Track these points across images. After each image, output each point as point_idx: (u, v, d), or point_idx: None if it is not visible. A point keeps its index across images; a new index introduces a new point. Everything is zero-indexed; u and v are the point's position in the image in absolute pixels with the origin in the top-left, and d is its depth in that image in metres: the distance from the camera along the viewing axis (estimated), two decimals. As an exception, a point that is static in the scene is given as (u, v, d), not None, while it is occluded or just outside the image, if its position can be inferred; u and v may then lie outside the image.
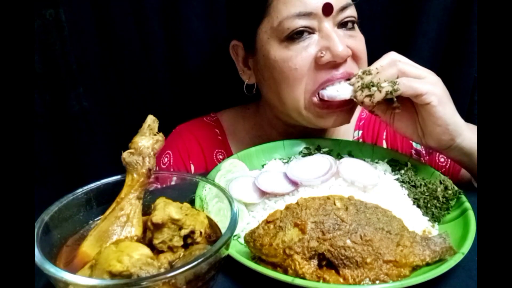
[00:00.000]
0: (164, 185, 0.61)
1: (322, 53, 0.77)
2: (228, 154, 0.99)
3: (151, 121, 0.59)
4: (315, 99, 0.80)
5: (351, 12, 0.80)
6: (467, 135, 0.71)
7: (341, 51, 0.76)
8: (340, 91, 0.76)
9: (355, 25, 0.83)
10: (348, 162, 0.72)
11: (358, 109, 1.02)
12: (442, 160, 0.95)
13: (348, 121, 0.84)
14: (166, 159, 0.97)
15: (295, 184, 0.68)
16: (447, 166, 0.94)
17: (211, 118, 1.04)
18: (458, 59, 1.11)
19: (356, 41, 0.82)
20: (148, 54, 1.07)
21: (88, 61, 1.01)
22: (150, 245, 0.49)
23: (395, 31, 1.14)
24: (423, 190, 0.69)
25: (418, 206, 0.67)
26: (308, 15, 0.76)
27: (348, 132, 0.99)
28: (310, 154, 0.82)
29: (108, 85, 1.06)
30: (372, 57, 1.20)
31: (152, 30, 1.05)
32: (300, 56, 0.78)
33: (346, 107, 0.80)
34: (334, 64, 0.78)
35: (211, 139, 1.00)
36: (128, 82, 1.08)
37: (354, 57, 0.81)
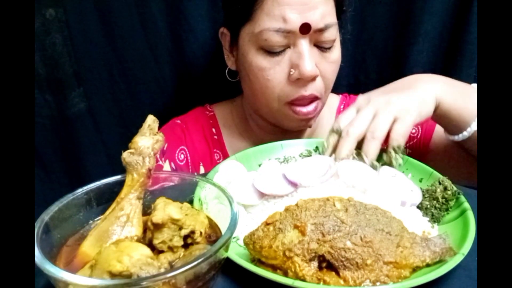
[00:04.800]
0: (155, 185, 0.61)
1: (292, 71, 0.82)
2: (224, 154, 1.01)
3: (151, 121, 0.59)
4: (287, 108, 0.87)
5: (330, 34, 0.83)
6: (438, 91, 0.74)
7: (309, 71, 0.80)
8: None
9: (334, 44, 0.85)
10: (347, 164, 0.71)
11: (337, 101, 1.04)
12: (413, 131, 0.96)
13: (310, 125, 0.93)
14: (182, 156, 0.98)
15: (294, 185, 0.68)
16: (418, 136, 0.96)
17: (208, 113, 1.05)
18: (458, 60, 1.11)
19: (328, 63, 0.85)
20: (154, 53, 1.07)
21: (92, 60, 1.01)
22: (150, 245, 0.49)
23: (397, 31, 1.14)
24: (423, 191, 0.69)
25: (418, 206, 0.67)
26: (287, 32, 0.79)
27: (328, 124, 1.00)
28: (309, 155, 0.82)
29: (111, 85, 1.06)
30: (375, 57, 1.20)
31: (157, 29, 1.05)
32: (274, 69, 0.83)
33: (313, 115, 0.89)
34: (303, 81, 0.83)
35: (211, 138, 1.01)
36: (132, 82, 1.08)
37: (322, 77, 0.85)
